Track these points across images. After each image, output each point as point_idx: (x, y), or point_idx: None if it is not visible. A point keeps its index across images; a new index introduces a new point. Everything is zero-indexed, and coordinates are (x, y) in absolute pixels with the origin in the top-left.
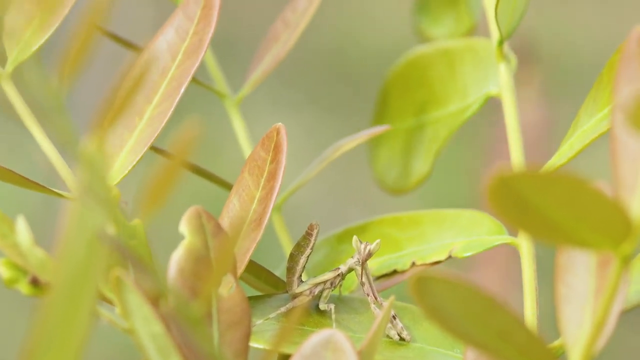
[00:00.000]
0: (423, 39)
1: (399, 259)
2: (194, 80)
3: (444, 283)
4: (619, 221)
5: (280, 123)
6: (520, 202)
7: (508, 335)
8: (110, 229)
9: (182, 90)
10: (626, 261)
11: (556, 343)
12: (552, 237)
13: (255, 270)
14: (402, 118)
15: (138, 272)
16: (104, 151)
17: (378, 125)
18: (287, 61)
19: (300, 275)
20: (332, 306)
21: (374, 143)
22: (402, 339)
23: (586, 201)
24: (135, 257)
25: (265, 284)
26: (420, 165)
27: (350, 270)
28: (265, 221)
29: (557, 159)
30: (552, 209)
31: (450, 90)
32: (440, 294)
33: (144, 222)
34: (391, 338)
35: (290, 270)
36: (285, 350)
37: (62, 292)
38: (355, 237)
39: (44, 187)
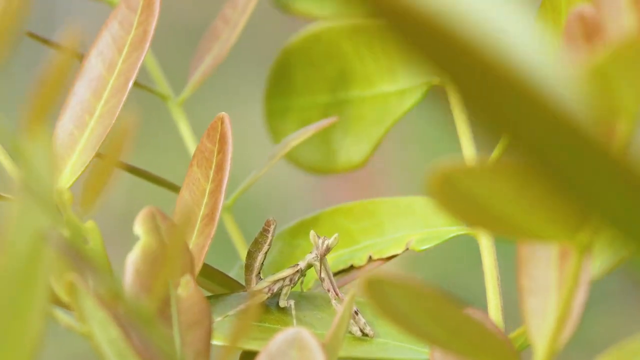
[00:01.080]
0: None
1: (355, 252)
2: (136, 83)
3: (394, 285)
4: (571, 211)
5: (223, 112)
6: (466, 198)
7: (465, 333)
8: (59, 232)
9: (130, 84)
10: (584, 251)
11: (518, 331)
12: (504, 232)
13: (209, 273)
14: (311, 93)
15: (92, 276)
16: (47, 148)
17: (276, 99)
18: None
19: (259, 273)
20: (292, 302)
21: (271, 118)
22: (365, 334)
23: (534, 192)
24: (87, 261)
25: (220, 286)
26: (350, 148)
27: (309, 266)
28: (218, 215)
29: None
30: (499, 204)
31: (372, 70)
32: (392, 295)
33: (83, 217)
34: (353, 334)
35: (248, 268)
36: (246, 346)
37: (4, 295)
38: (312, 232)
39: None
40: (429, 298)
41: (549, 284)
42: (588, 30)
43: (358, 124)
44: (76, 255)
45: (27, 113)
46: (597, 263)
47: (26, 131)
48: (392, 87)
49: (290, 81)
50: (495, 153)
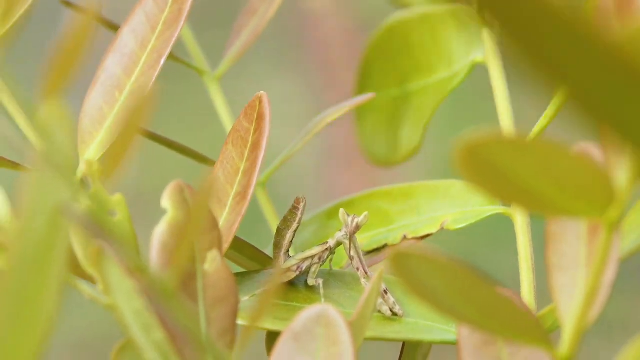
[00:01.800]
0: (399, 5)
1: (390, 232)
2: (172, 56)
3: (422, 260)
4: (602, 187)
5: (262, 92)
6: (496, 172)
7: (494, 311)
8: (80, 204)
9: (162, 61)
10: (613, 227)
11: (546, 310)
12: (533, 207)
13: (240, 247)
14: (386, 87)
15: (116, 249)
16: (65, 118)
17: (362, 94)
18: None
19: (288, 251)
20: (321, 281)
21: (359, 114)
22: (394, 314)
23: (565, 168)
24: (111, 234)
25: (251, 260)
26: (409, 137)
27: (338, 244)
28: (250, 193)
29: (544, 120)
30: (529, 178)
31: (434, 58)
32: (421, 271)
33: (104, 185)
34: (383, 314)
35: (277, 245)
36: (272, 326)
37: (21, 268)
38: (342, 210)
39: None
40: (458, 274)
41: (577, 260)
42: (620, 4)
43: (417, 112)
44: (99, 228)
45: (45, 81)
46: (626, 243)
47: (44, 100)
48: (448, 72)
49: (372, 78)
50: (537, 127)
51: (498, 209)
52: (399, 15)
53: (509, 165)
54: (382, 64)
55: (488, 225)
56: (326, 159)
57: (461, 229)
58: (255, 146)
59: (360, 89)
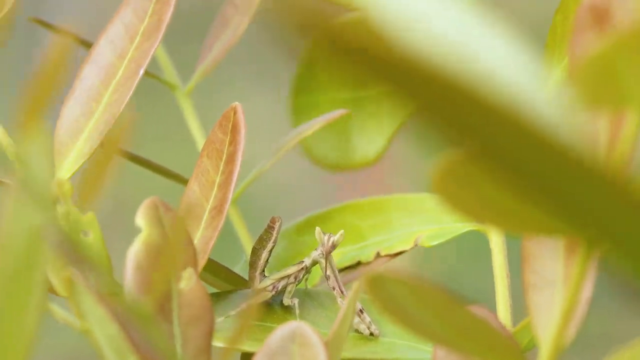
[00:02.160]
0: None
1: (363, 249)
2: (145, 72)
3: (397, 282)
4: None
5: (237, 102)
6: (470, 193)
7: (470, 332)
8: (56, 226)
9: (141, 73)
10: (592, 245)
11: (521, 325)
12: (509, 227)
13: (213, 268)
14: (335, 90)
15: (90, 271)
16: (44, 140)
17: (301, 95)
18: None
19: (263, 271)
20: (296, 301)
21: (297, 113)
22: (371, 333)
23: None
24: (85, 256)
25: (225, 282)
26: (366, 144)
27: (314, 263)
28: (227, 208)
29: None
30: (506, 198)
31: None
32: (396, 293)
33: (82, 210)
34: (361, 333)
35: (253, 265)
36: (247, 348)
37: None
38: (318, 229)
39: None
40: (432, 296)
41: (554, 278)
42: (598, 18)
43: (375, 119)
44: (73, 250)
45: (23, 106)
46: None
47: (22, 124)
48: None
49: (315, 78)
50: None
51: (473, 225)
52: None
53: (484, 186)
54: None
55: (464, 240)
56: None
57: (437, 245)
58: (231, 159)
59: (300, 89)
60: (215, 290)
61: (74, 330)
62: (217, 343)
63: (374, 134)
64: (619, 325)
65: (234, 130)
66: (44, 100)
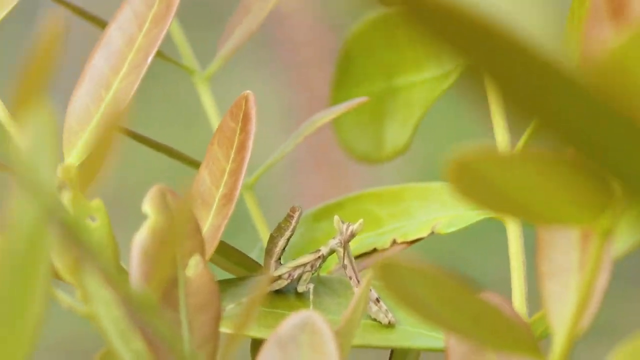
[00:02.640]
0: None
1: (379, 236)
2: (161, 55)
3: (409, 270)
4: (595, 195)
5: (248, 91)
6: (487, 186)
7: (482, 320)
8: (62, 213)
9: (150, 59)
10: (606, 234)
11: (536, 316)
12: (526, 218)
13: (225, 252)
14: (368, 82)
15: (96, 256)
16: (48, 125)
17: (340, 89)
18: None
19: (279, 258)
20: (311, 286)
21: None
22: (388, 322)
23: (557, 177)
24: (90, 242)
25: (237, 265)
26: (396, 135)
27: (331, 252)
28: (236, 195)
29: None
30: (520, 191)
31: (422, 55)
32: (408, 280)
33: (83, 191)
34: (380, 322)
35: (269, 252)
36: (257, 334)
37: (5, 277)
38: (336, 217)
39: None
40: (446, 283)
41: (569, 267)
42: (613, 8)
43: (405, 109)
44: (79, 237)
45: (19, 86)
46: (617, 244)
47: (19, 105)
48: (439, 71)
49: (351, 71)
50: (524, 139)
51: (490, 213)
52: (382, 11)
53: (500, 179)
54: (364, 59)
55: (479, 229)
56: (293, 162)
57: (452, 233)
58: (242, 147)
59: (339, 83)
60: (227, 274)
61: (79, 315)
62: (226, 329)
63: (403, 123)
64: (626, 315)
65: (245, 119)
66: (39, 80)
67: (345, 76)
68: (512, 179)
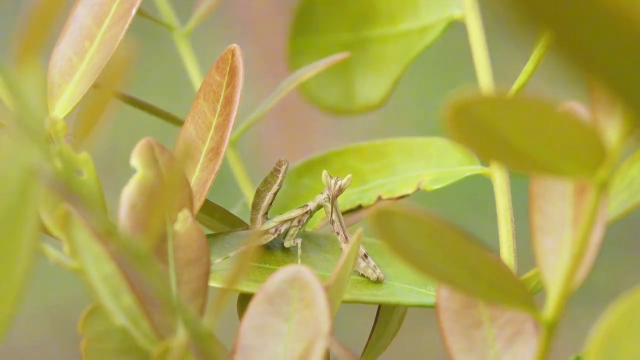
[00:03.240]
0: None
1: (364, 193)
2: (141, 13)
3: (407, 218)
4: (592, 146)
5: (235, 44)
6: (484, 129)
7: (478, 272)
8: (50, 165)
9: (134, 11)
10: (603, 188)
11: (531, 273)
12: (521, 166)
13: (209, 209)
14: (335, 32)
15: (84, 209)
16: (39, 78)
17: (299, 38)
18: None
19: (266, 213)
20: (299, 241)
21: (294, 58)
22: (377, 277)
23: (556, 126)
24: (79, 194)
25: (221, 222)
26: (369, 88)
27: (319, 207)
28: (224, 150)
29: (524, 77)
30: (518, 136)
31: (397, 7)
32: (404, 230)
33: (77, 149)
34: (367, 277)
35: (255, 207)
36: (245, 289)
37: None
38: (325, 172)
39: None
40: (442, 233)
41: (563, 221)
42: None
43: (379, 63)
44: (68, 189)
45: (19, 42)
46: (611, 206)
47: (18, 61)
48: (415, 24)
49: (313, 20)
50: (516, 85)
51: (476, 169)
52: None
53: (498, 124)
54: (328, 7)
55: (468, 188)
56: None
57: (439, 190)
58: (228, 101)
59: (298, 32)
60: (211, 232)
61: (67, 270)
62: (214, 284)
63: (378, 77)
64: (625, 277)
65: (232, 72)
66: (39, 36)
67: (305, 25)
68: (510, 122)
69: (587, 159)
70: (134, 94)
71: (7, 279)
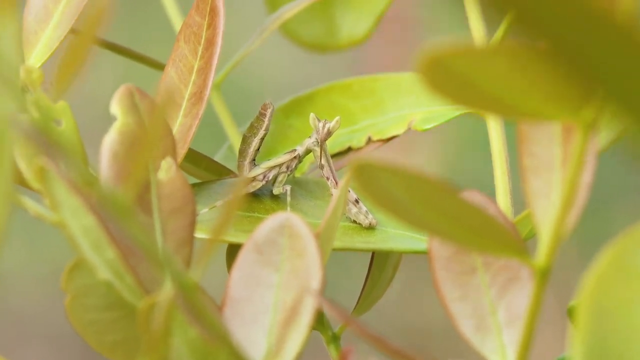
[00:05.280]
0: None
1: (353, 133)
2: None
3: (384, 169)
4: (574, 87)
5: None
6: (461, 81)
7: (463, 220)
8: (27, 114)
9: None
10: (589, 127)
11: (523, 215)
12: (503, 114)
13: (194, 158)
14: None
15: (63, 160)
16: (13, 24)
17: None
18: None
19: (254, 159)
20: (289, 188)
21: None
22: (369, 223)
23: (534, 70)
24: (57, 145)
25: (206, 171)
26: (352, 23)
27: (307, 151)
28: (207, 94)
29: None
30: (497, 86)
31: None
32: (384, 182)
33: (56, 99)
34: (360, 224)
35: (242, 153)
36: (233, 239)
37: None
38: (312, 115)
39: None
40: (423, 183)
41: (552, 162)
42: None
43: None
44: (45, 139)
45: None
46: (600, 136)
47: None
48: None
49: None
50: (500, 32)
51: (468, 108)
52: None
53: (475, 74)
54: None
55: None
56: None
57: (432, 131)
58: (210, 43)
59: None
60: (196, 180)
61: (46, 223)
62: (201, 235)
63: (361, 12)
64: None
65: (212, 12)
66: None
67: None
68: (487, 73)
69: (570, 101)
70: (112, 39)
71: None
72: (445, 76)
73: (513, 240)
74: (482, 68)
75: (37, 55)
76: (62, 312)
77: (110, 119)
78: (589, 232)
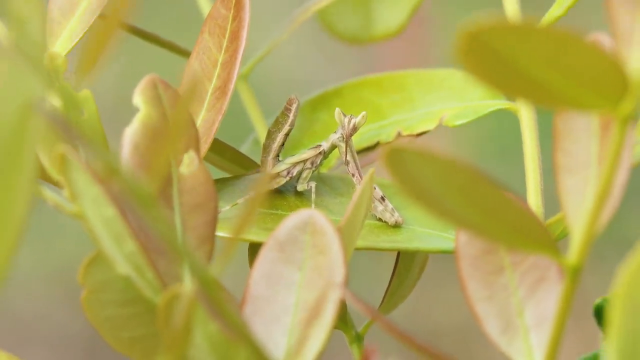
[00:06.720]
0: None
1: (382, 129)
2: None
3: (420, 156)
4: (614, 77)
5: None
6: (499, 61)
7: (497, 214)
8: (50, 101)
9: None
10: (627, 122)
11: (556, 217)
12: (540, 99)
13: (219, 149)
14: None
15: (86, 148)
16: (39, 8)
17: None
18: None
19: (278, 155)
20: (313, 185)
21: None
22: (395, 222)
23: (575, 56)
24: (80, 133)
25: (232, 163)
26: (387, 14)
27: (333, 147)
28: (231, 88)
29: (556, 10)
30: (536, 67)
31: None
32: (417, 169)
33: (81, 85)
34: (385, 222)
35: (266, 148)
36: (256, 237)
37: None
38: (337, 110)
39: None
40: (459, 172)
41: (588, 160)
42: None
43: None
44: (68, 127)
45: None
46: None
47: None
48: None
49: None
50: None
51: (501, 103)
52: None
53: (515, 54)
54: None
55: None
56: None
57: (462, 127)
58: (235, 36)
59: None
60: (219, 171)
61: (65, 214)
62: (222, 233)
63: (396, 4)
64: None
65: (238, 5)
66: None
67: None
68: (526, 53)
69: (609, 91)
70: (140, 26)
71: (4, 220)
72: (483, 55)
73: (546, 238)
74: (521, 47)
75: (62, 43)
76: (65, 314)
77: (113, 112)
78: (602, 232)
